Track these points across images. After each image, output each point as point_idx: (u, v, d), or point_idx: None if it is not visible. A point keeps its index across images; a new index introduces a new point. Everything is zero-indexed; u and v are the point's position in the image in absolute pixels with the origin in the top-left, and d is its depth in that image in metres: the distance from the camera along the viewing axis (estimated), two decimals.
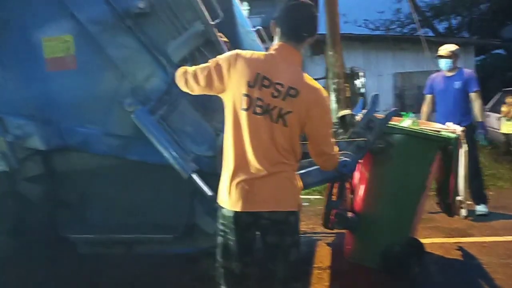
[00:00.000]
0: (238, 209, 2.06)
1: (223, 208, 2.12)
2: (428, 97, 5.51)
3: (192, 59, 2.80)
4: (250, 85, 2.02)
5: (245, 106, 2.03)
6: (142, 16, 2.86)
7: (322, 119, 2.12)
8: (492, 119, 9.07)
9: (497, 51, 16.60)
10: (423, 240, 4.34)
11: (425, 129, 3.33)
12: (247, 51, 2.15)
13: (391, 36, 13.81)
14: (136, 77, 2.90)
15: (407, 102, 12.11)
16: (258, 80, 2.01)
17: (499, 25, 15.64)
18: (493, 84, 11.94)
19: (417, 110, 11.44)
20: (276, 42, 2.11)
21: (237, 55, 2.10)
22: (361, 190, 3.31)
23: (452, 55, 5.23)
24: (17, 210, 3.14)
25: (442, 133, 3.24)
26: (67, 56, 2.99)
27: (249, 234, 2.13)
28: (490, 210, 5.15)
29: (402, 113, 3.58)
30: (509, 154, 7.97)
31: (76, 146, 3.00)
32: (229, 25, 3.91)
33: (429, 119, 5.65)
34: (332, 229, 3.36)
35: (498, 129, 8.38)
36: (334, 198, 3.16)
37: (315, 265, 3.94)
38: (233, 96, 2.07)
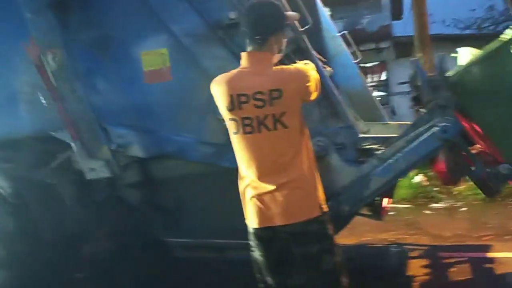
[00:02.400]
0: (256, 225, 2.06)
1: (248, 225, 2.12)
2: None
3: None
4: (229, 109, 2.00)
5: (234, 130, 2.03)
6: (233, 26, 2.92)
7: (308, 91, 2.06)
8: None
9: None
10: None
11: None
12: (218, 76, 2.11)
13: (485, 35, 12.94)
14: None
15: None
16: (235, 101, 1.97)
17: None
18: None
19: None
20: (242, 54, 2.07)
21: (211, 88, 2.11)
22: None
23: None
24: (117, 214, 3.35)
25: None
26: (163, 68, 3.14)
27: (274, 247, 2.09)
28: None
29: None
30: None
31: (173, 154, 3.13)
32: (315, 30, 3.90)
33: None
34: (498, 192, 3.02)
35: None
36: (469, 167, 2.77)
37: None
38: (226, 123, 2.08)
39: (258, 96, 1.95)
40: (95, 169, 3.14)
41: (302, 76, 2.04)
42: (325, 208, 2.12)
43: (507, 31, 2.63)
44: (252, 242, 2.15)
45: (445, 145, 2.62)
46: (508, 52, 2.58)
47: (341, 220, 2.96)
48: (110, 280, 3.35)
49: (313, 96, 2.14)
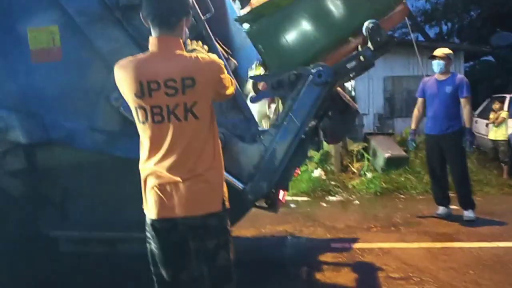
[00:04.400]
0: (154, 216, 1.99)
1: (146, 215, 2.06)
2: (420, 100, 5.51)
3: None
4: (138, 96, 1.89)
5: (142, 119, 1.93)
6: (132, 8, 2.78)
7: (222, 83, 2.03)
8: (480, 125, 9.12)
9: (485, 58, 16.73)
10: (409, 245, 4.39)
11: None
12: (123, 60, 1.97)
13: None
14: None
15: (396, 106, 12.17)
16: (145, 88, 1.87)
17: (488, 32, 15.76)
18: (481, 91, 12.04)
19: (405, 114, 11.66)
20: (151, 38, 1.96)
21: (115, 72, 1.98)
22: None
23: (446, 58, 5.23)
24: None
25: None
26: (52, 47, 2.90)
27: (171, 240, 2.05)
28: (477, 216, 5.15)
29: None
30: (496, 160, 8.01)
31: (60, 140, 2.91)
32: (221, 22, 3.86)
33: (419, 122, 5.66)
34: None
35: (486, 135, 8.42)
36: None
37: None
38: (132, 111, 1.97)
39: (170, 83, 1.86)
40: None
41: (216, 67, 1.99)
42: (227, 204, 2.08)
43: None
44: (149, 233, 2.06)
45: (324, 88, 2.77)
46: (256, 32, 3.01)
47: (243, 209, 2.98)
48: None
49: (228, 90, 2.09)
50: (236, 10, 4.49)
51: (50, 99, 2.92)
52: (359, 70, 3.03)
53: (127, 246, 3.04)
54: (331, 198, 6.77)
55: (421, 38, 16.38)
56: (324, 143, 3.98)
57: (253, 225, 4.82)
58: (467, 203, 5.18)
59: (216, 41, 3.09)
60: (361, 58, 2.87)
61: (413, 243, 4.46)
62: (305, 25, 2.92)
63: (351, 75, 3.31)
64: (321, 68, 2.73)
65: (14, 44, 2.91)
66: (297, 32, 2.94)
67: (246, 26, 3.09)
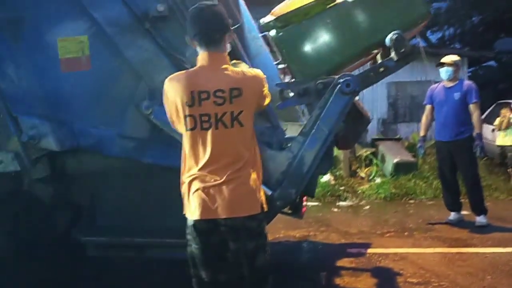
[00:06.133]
0: (196, 217, 2.09)
1: (187, 217, 2.15)
2: (428, 107, 5.57)
3: None
4: (189, 105, 2.04)
5: (191, 126, 2.07)
6: (161, 19, 2.84)
7: (264, 95, 2.21)
8: (486, 130, 9.16)
9: (488, 63, 16.84)
10: (424, 250, 4.43)
11: None
12: (174, 74, 2.17)
13: None
14: (153, 79, 2.88)
15: (400, 111, 12.25)
16: (195, 97, 2.03)
17: (490, 38, 15.89)
18: (485, 96, 12.08)
19: (409, 119, 11.73)
20: (200, 54, 2.14)
21: (166, 85, 2.14)
22: None
23: (454, 65, 5.30)
24: (22, 211, 3.09)
25: None
26: (81, 56, 2.96)
27: (212, 241, 2.14)
28: (488, 221, 5.20)
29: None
30: (504, 165, 8.07)
31: (89, 147, 2.96)
32: (237, 30, 3.92)
33: (428, 129, 5.72)
34: None
35: (492, 141, 8.49)
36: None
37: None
38: (179, 120, 2.11)
39: (219, 94, 2.03)
40: (3, 162, 2.88)
41: (260, 80, 2.17)
42: (266, 207, 2.20)
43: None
44: (190, 235, 2.15)
45: (352, 97, 2.84)
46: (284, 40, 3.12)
47: (272, 213, 3.04)
48: (12, 282, 3.07)
49: (267, 101, 2.26)
50: (249, 16, 4.57)
51: (79, 107, 2.97)
52: (380, 79, 3.10)
53: (155, 252, 3.09)
54: (341, 203, 6.83)
55: (423, 43, 16.49)
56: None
57: (267, 231, 4.86)
58: (479, 209, 5.24)
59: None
60: (382, 68, 2.95)
61: (428, 248, 4.52)
62: (332, 35, 3.00)
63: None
64: (349, 78, 2.80)
65: (44, 54, 2.96)
66: (324, 41, 3.02)
67: (272, 32, 3.14)
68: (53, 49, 2.94)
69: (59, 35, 2.95)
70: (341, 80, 2.79)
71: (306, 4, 3.03)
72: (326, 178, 7.56)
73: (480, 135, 5.26)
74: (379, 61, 3.12)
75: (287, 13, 3.05)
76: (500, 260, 4.08)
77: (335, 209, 6.51)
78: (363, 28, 3.00)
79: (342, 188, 7.38)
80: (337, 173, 7.97)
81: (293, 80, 3.17)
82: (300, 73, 3.14)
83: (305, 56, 3.07)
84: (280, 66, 4.65)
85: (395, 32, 2.86)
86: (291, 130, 3.75)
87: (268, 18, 3.18)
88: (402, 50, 2.86)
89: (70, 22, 2.96)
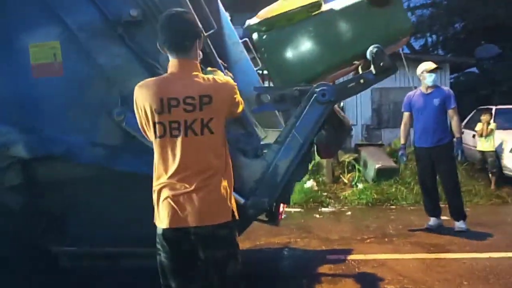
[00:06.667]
0: (165, 225, 2.07)
1: (156, 226, 2.12)
2: (406, 114, 5.60)
3: None
4: (158, 112, 2.02)
5: (160, 134, 2.04)
6: (134, 24, 2.81)
7: (236, 102, 2.19)
8: (467, 136, 9.28)
9: (470, 69, 17.06)
10: (404, 256, 4.44)
11: None
12: (144, 81, 2.14)
13: None
14: (126, 86, 2.83)
15: (384, 117, 12.35)
16: (165, 104, 2.01)
17: (473, 45, 16.10)
18: (466, 102, 12.24)
19: (393, 125, 11.81)
20: (170, 61, 2.13)
21: (135, 91, 2.11)
22: None
23: (436, 71, 5.36)
24: None
25: None
26: (53, 62, 2.91)
27: (181, 250, 2.11)
28: (468, 226, 5.23)
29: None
30: (484, 171, 8.16)
31: (60, 155, 2.90)
32: (217, 36, 3.90)
33: (408, 135, 5.75)
34: None
35: (473, 146, 8.58)
36: None
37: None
38: (149, 127, 2.07)
39: (189, 100, 2.01)
40: None
41: (231, 88, 2.16)
42: (236, 215, 2.17)
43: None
44: (159, 244, 2.12)
45: (328, 107, 2.82)
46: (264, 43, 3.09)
47: (246, 222, 3.00)
48: None
49: (239, 109, 2.24)
50: (229, 22, 4.56)
51: (50, 114, 2.93)
52: (359, 90, 3.06)
53: (130, 261, 3.03)
54: (324, 209, 6.82)
55: (406, 50, 16.66)
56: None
57: (248, 238, 4.84)
58: (458, 214, 5.27)
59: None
60: (362, 80, 2.94)
61: (407, 254, 4.52)
62: (314, 43, 3.00)
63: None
64: (325, 87, 2.79)
65: (15, 59, 2.91)
66: (305, 48, 3.01)
67: (255, 35, 3.12)
68: (25, 55, 2.90)
69: (31, 41, 2.91)
70: (317, 90, 2.78)
71: (290, 10, 3.01)
72: (309, 184, 7.56)
73: (460, 140, 5.30)
74: (360, 72, 3.13)
75: (271, 17, 3.03)
76: (477, 266, 4.10)
77: (317, 215, 6.50)
78: (345, 39, 3.01)
79: (325, 194, 7.38)
80: (320, 179, 7.98)
81: (271, 85, 3.15)
82: (279, 78, 3.13)
83: (286, 62, 3.05)
84: (262, 72, 4.68)
85: (375, 45, 2.86)
86: (273, 137, 3.74)
87: (253, 20, 3.15)
88: (381, 63, 2.85)
89: (42, 28, 2.93)
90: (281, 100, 2.97)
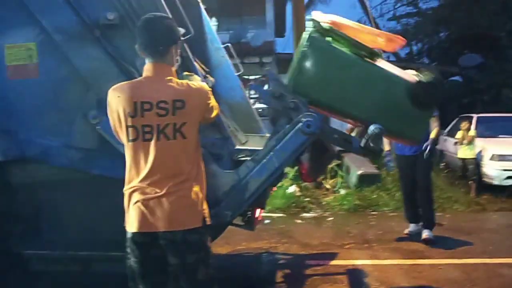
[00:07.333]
0: (134, 229, 2.07)
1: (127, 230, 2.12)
2: None
3: None
4: (131, 116, 2.03)
5: (132, 137, 2.05)
6: (111, 27, 2.81)
7: (209, 108, 2.20)
8: (449, 143, 9.39)
9: (454, 78, 17.29)
10: (382, 262, 4.47)
11: None
12: (119, 84, 2.15)
13: None
14: (102, 89, 2.80)
15: None
16: (138, 108, 2.02)
17: (457, 53, 16.33)
18: (450, 110, 12.40)
19: None
20: (146, 64, 2.15)
21: (109, 94, 2.12)
22: None
23: None
24: None
25: None
26: (29, 64, 2.90)
27: (151, 255, 2.11)
28: (446, 233, 5.29)
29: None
30: (465, 178, 8.25)
31: (35, 158, 2.88)
32: (199, 41, 3.91)
33: (391, 143, 5.79)
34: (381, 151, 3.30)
35: (454, 153, 8.68)
36: None
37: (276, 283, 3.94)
38: (122, 130, 2.08)
39: (162, 105, 2.02)
40: None
41: (205, 93, 2.18)
42: (208, 221, 2.17)
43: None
44: (129, 247, 2.12)
45: (310, 138, 2.77)
46: (314, 44, 2.90)
47: (219, 228, 2.98)
48: None
49: (213, 114, 2.25)
50: (212, 27, 4.57)
51: (25, 116, 2.91)
52: (339, 144, 3.03)
53: (103, 266, 3.00)
54: (305, 214, 6.83)
55: (392, 57, 16.84)
56: None
57: (228, 242, 4.82)
58: (428, 222, 5.24)
59: (195, 59, 3.14)
60: (347, 140, 2.92)
61: (386, 260, 4.55)
62: (346, 83, 2.92)
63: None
64: (311, 119, 2.71)
65: None
66: (337, 79, 2.92)
67: (309, 29, 2.95)
68: (0, 56, 2.88)
69: (6, 41, 2.89)
70: (304, 120, 2.71)
71: (355, 39, 2.90)
72: (292, 189, 7.57)
73: (433, 140, 5.32)
74: (354, 134, 3.08)
75: (339, 30, 2.89)
76: (453, 272, 4.14)
77: (299, 221, 6.51)
78: (372, 100, 2.91)
79: (307, 199, 7.39)
80: (303, 184, 7.98)
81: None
82: (297, 81, 2.95)
83: (313, 75, 2.91)
84: (243, 77, 4.67)
85: (380, 127, 2.75)
86: (253, 142, 3.74)
87: (322, 18, 2.93)
88: (371, 144, 2.82)
89: (18, 29, 2.91)
90: (279, 98, 2.88)
